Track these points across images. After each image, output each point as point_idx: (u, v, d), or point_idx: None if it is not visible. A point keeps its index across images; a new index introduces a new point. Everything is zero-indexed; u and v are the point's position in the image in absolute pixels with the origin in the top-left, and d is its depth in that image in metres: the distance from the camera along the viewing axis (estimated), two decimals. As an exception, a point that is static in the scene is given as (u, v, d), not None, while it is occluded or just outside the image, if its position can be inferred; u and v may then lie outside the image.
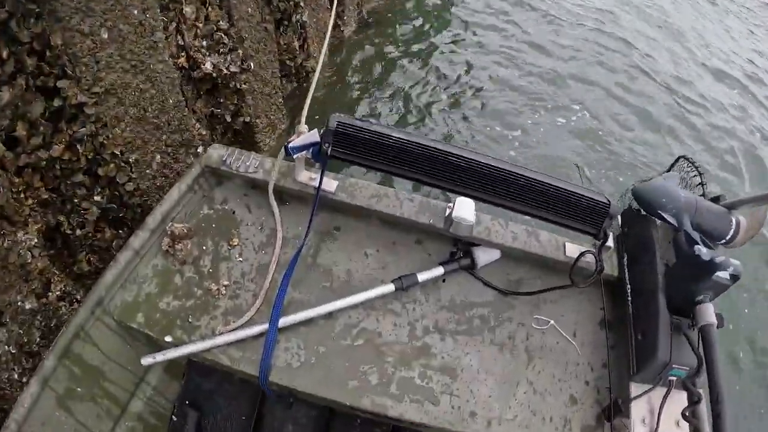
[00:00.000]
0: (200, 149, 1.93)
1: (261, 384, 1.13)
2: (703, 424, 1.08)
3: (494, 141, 3.10)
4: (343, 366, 1.16)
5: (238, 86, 2.08)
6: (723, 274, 1.05)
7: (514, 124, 3.24)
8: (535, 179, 1.17)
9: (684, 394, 1.17)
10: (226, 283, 1.22)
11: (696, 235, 1.13)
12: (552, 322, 1.30)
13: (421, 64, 3.53)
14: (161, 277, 1.24)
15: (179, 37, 1.75)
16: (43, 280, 1.47)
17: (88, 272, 1.62)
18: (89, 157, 1.44)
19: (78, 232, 1.55)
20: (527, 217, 1.24)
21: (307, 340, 1.17)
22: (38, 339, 1.45)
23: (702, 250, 1.08)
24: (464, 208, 1.23)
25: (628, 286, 1.27)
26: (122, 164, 1.55)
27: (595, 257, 1.22)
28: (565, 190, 1.19)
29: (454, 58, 3.67)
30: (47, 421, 1.14)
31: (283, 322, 1.16)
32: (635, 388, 1.17)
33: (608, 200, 1.22)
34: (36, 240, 1.39)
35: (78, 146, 1.39)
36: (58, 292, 1.54)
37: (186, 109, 1.83)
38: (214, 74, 1.91)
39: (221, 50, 1.96)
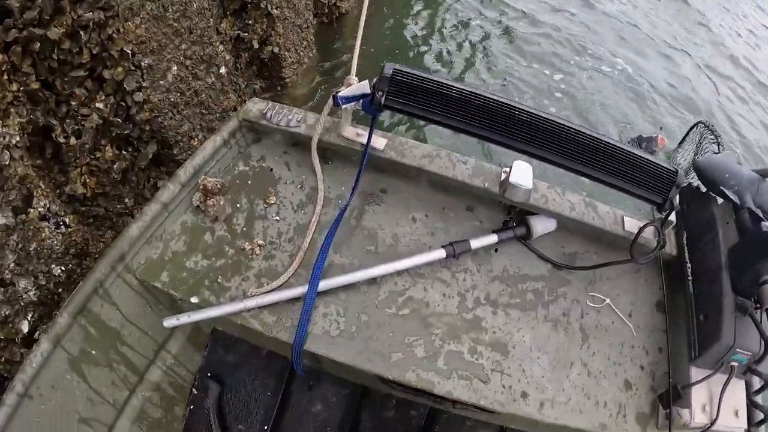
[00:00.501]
0: (222, 69, 1.74)
1: (295, 353, 1.02)
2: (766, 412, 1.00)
3: (537, 83, 3.08)
4: (387, 336, 1.05)
5: (270, 10, 1.84)
6: None
7: (557, 67, 3.27)
8: (601, 140, 1.07)
9: (742, 383, 1.10)
10: (260, 242, 1.12)
11: (760, 213, 1.05)
12: (608, 300, 1.21)
13: (463, 13, 3.45)
14: (190, 234, 1.14)
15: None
16: (22, 191, 1.21)
17: (84, 197, 1.40)
18: (94, 52, 1.23)
19: (73, 141, 1.29)
20: (584, 188, 1.15)
21: (348, 307, 1.07)
22: (12, 264, 1.21)
23: None
24: (522, 173, 1.13)
25: (688, 265, 1.17)
26: (132, 68, 1.33)
27: (658, 230, 1.14)
28: (632, 154, 1.09)
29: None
30: (57, 383, 1.04)
31: (322, 285, 1.05)
32: (695, 373, 1.08)
33: (675, 169, 1.12)
34: (18, 138, 1.15)
35: (82, 34, 1.18)
36: (41, 209, 1.27)
37: (211, 20, 1.62)
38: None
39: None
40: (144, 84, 1.39)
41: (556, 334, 1.14)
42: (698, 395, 1.07)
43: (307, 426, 1.36)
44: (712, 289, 1.08)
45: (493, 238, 1.15)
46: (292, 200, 1.17)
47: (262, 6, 1.84)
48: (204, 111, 1.80)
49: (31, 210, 1.24)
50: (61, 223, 1.32)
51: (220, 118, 1.88)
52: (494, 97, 1.03)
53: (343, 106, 1.07)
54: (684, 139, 2.63)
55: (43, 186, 1.28)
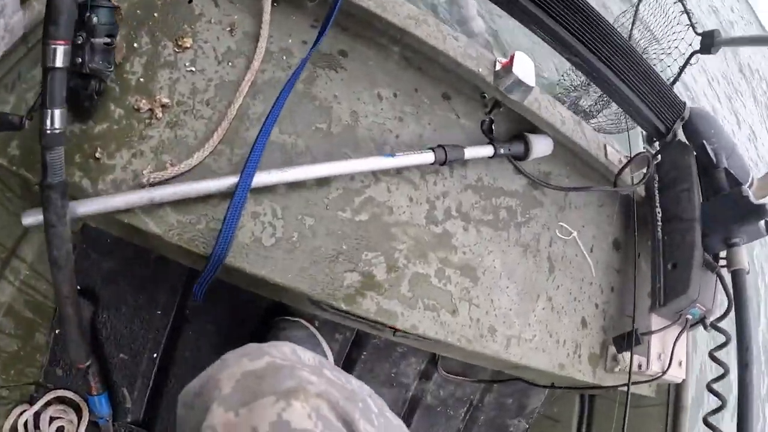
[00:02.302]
0: None
1: (208, 271, 0.71)
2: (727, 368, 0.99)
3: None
4: (339, 250, 0.78)
5: None
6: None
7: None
8: (629, 46, 0.92)
9: (685, 335, 1.09)
10: (165, 101, 0.75)
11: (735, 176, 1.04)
12: (575, 233, 1.08)
13: None
14: None
15: None
16: None
17: None
18: None
19: None
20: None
21: (288, 205, 0.77)
22: None
23: (749, 193, 0.98)
24: (525, 67, 0.89)
25: (658, 210, 1.10)
26: None
27: (648, 161, 1.07)
28: (654, 73, 0.96)
29: None
30: None
31: (258, 180, 0.73)
32: (656, 321, 1.04)
33: (683, 101, 1.05)
34: None
35: None
36: None
37: None
38: None
39: None
40: None
41: (525, 261, 0.98)
42: (654, 343, 1.04)
43: (207, 352, 1.07)
44: (686, 240, 1.03)
45: (488, 150, 0.91)
46: (216, 47, 0.80)
47: None
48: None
49: None
50: None
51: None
52: None
53: None
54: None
55: None
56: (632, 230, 1.12)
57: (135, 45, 0.77)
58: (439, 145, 0.83)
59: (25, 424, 1.02)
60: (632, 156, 1.07)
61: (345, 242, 0.79)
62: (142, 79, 0.76)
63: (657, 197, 1.11)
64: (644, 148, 1.13)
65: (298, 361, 0.57)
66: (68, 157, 0.69)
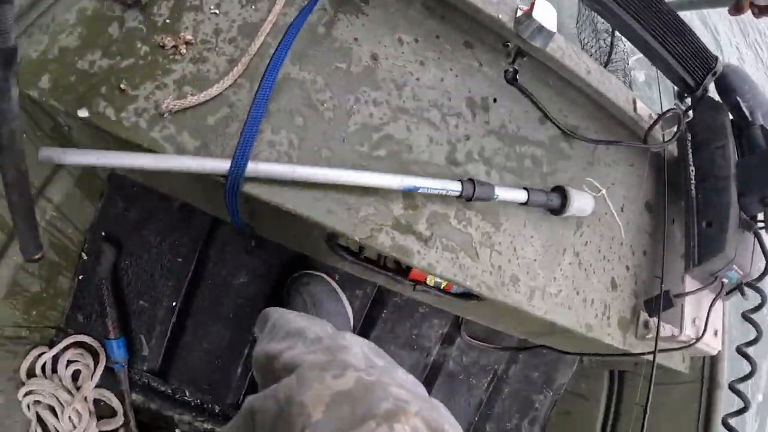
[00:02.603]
0: None
1: (229, 192, 0.72)
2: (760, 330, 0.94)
3: None
4: None
5: None
6: None
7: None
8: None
9: (720, 303, 1.04)
10: (189, 38, 0.77)
11: None
12: (603, 191, 1.04)
13: None
14: (88, 26, 0.75)
15: None
16: None
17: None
18: None
19: None
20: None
21: (306, 137, 0.77)
22: None
23: None
24: (546, 12, 0.87)
25: (692, 168, 1.05)
26: None
27: (679, 117, 1.01)
28: (685, 25, 0.93)
29: None
30: None
31: (273, 103, 0.75)
32: (689, 283, 0.98)
33: (716, 56, 1.00)
34: None
35: None
36: None
37: None
38: None
39: None
40: None
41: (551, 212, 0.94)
42: (689, 307, 0.98)
43: (227, 303, 1.08)
44: (721, 198, 0.97)
45: (522, 195, 0.86)
46: None
47: None
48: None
49: None
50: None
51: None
52: None
53: None
54: None
55: None
56: (664, 192, 1.08)
57: (162, -12, 0.80)
58: (469, 179, 0.80)
59: (43, 367, 1.05)
60: (663, 112, 1.02)
61: None
62: (168, 21, 0.78)
63: (690, 155, 1.06)
64: (675, 104, 1.08)
65: (383, 373, 0.53)
66: (94, 89, 0.72)
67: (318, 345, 0.59)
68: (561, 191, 0.91)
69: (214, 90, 0.74)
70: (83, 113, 0.71)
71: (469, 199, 0.80)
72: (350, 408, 0.44)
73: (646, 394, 0.88)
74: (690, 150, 1.07)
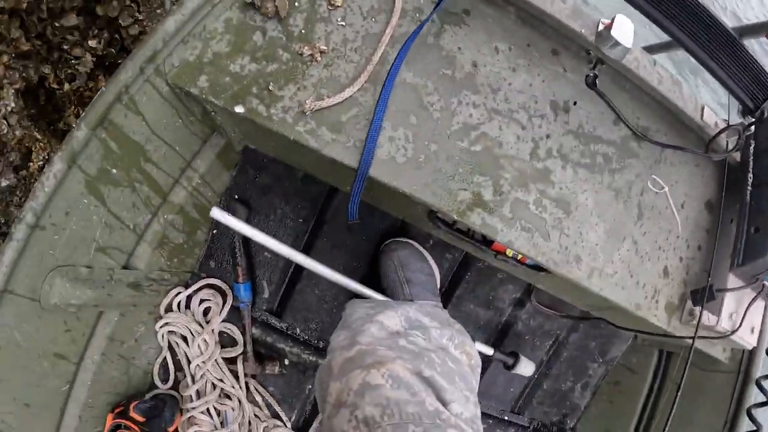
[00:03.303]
0: None
1: (358, 179, 0.92)
2: None
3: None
4: (456, 172, 0.96)
5: None
6: None
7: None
8: (719, 22, 0.99)
9: (762, 304, 1.14)
10: (323, 47, 0.96)
11: None
12: (666, 189, 1.15)
13: None
14: (235, 33, 0.96)
15: None
16: (22, 150, 1.20)
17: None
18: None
19: (66, 86, 1.23)
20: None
21: (418, 133, 0.96)
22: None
23: None
24: (624, 29, 0.99)
25: (751, 174, 1.13)
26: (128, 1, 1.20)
27: (739, 133, 1.11)
28: (743, 48, 1.02)
29: None
30: (72, 209, 0.91)
31: (392, 104, 0.93)
32: (731, 281, 1.10)
33: None
34: (13, 104, 1.12)
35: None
36: (40, 162, 1.26)
37: None
38: None
39: None
40: (140, 16, 1.25)
41: (616, 203, 1.09)
42: (728, 302, 1.09)
43: (337, 258, 1.31)
44: None
45: (489, 351, 1.33)
46: (361, 5, 0.99)
47: None
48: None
49: (31, 164, 1.27)
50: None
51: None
52: None
53: None
54: None
55: (39, 137, 1.26)
56: (728, 194, 1.17)
57: (296, 4, 0.98)
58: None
59: (179, 304, 1.32)
60: (724, 128, 1.10)
61: (461, 166, 0.96)
62: (303, 31, 0.97)
63: (751, 163, 1.13)
64: (739, 112, 1.16)
65: (383, 336, 0.89)
66: (247, 89, 0.93)
67: (348, 332, 0.93)
68: (515, 355, 1.34)
69: (345, 93, 0.93)
70: (239, 109, 0.93)
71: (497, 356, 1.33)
72: (350, 365, 0.78)
73: (687, 377, 1.03)
74: (752, 157, 1.13)
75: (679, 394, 1.03)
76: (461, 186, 0.96)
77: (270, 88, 0.94)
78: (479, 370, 1.00)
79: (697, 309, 1.12)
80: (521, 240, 0.98)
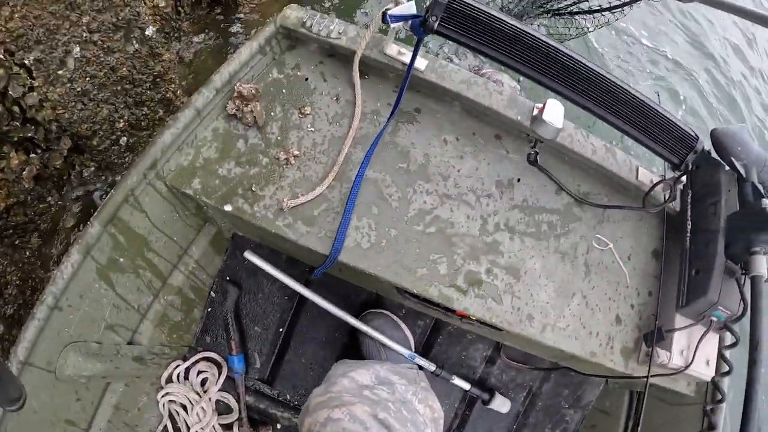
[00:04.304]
0: (149, 30, 1.43)
1: (327, 263, 1.08)
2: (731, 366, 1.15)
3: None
4: (414, 252, 1.13)
5: None
6: None
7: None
8: (634, 95, 1.14)
9: (716, 337, 1.24)
10: (296, 152, 1.15)
11: (762, 189, 1.15)
12: (611, 245, 1.30)
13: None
14: (222, 141, 1.15)
15: None
16: None
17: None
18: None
19: None
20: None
21: (380, 221, 1.13)
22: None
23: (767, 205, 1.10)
24: (554, 111, 1.17)
25: (689, 222, 1.27)
26: (15, 69, 1.12)
27: (670, 187, 1.26)
28: (659, 113, 1.17)
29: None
30: (85, 292, 1.09)
31: (357, 198, 1.11)
32: (679, 321, 1.21)
33: (696, 134, 1.22)
34: None
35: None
36: None
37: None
38: None
39: None
40: (35, 83, 1.20)
41: (563, 265, 1.24)
42: (679, 340, 1.20)
43: (319, 328, 1.46)
44: (708, 249, 1.17)
45: (465, 385, 1.46)
46: (327, 112, 1.19)
47: None
48: (128, 86, 1.59)
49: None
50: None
51: (152, 86, 1.66)
52: (544, 39, 1.05)
53: (392, 25, 1.06)
54: None
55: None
56: (669, 240, 1.31)
57: (272, 113, 1.19)
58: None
59: (178, 375, 1.46)
60: (655, 183, 1.25)
61: (418, 247, 1.13)
62: (279, 138, 1.16)
63: (689, 211, 1.26)
64: (668, 167, 1.29)
65: (353, 387, 1.06)
66: (233, 190, 1.11)
67: (325, 384, 1.09)
68: (492, 393, 1.48)
69: (317, 191, 1.11)
70: (228, 208, 1.10)
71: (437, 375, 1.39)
72: (320, 406, 0.95)
73: (645, 414, 1.14)
74: (689, 206, 1.26)
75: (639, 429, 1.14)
76: (419, 264, 1.12)
77: (253, 188, 1.12)
78: (441, 422, 1.14)
79: (657, 349, 1.21)
80: (476, 306, 1.13)
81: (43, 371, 1.04)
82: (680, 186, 1.32)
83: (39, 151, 1.27)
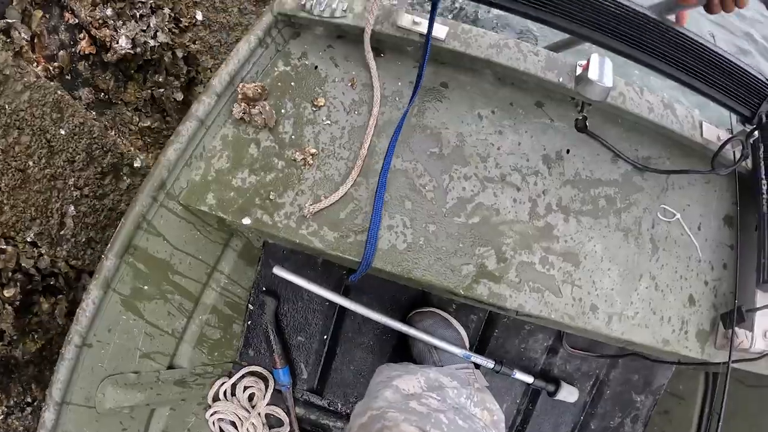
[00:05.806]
0: (137, 162, 1.45)
1: (360, 270, 1.00)
2: None
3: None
4: (456, 248, 1.03)
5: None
6: None
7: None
8: (690, 38, 0.99)
9: None
10: (313, 150, 1.06)
11: None
12: (678, 216, 1.16)
13: None
14: (233, 148, 1.08)
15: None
16: None
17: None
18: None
19: None
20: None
21: (415, 217, 1.03)
22: None
23: None
24: (601, 68, 1.03)
25: (764, 182, 1.11)
26: (21, 246, 1.16)
27: (741, 143, 1.09)
28: (724, 57, 1.01)
29: None
30: (114, 326, 1.05)
31: (386, 194, 1.02)
32: (761, 298, 1.07)
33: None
34: None
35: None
36: None
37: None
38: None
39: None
40: (42, 251, 1.23)
41: (626, 244, 1.11)
42: (761, 320, 1.07)
43: (366, 332, 1.40)
44: None
45: (528, 378, 1.32)
46: (343, 101, 1.09)
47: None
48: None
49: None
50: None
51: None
52: None
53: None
54: None
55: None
56: (743, 205, 1.16)
57: (282, 111, 1.10)
58: (500, 361, 1.28)
59: (225, 392, 1.43)
60: (725, 141, 1.09)
61: (461, 241, 1.03)
62: (293, 136, 1.07)
63: (763, 169, 1.10)
64: (738, 122, 1.14)
65: (397, 399, 1.00)
66: (250, 201, 1.04)
67: (366, 398, 1.06)
68: (557, 382, 1.37)
69: (341, 191, 1.03)
70: (246, 221, 1.03)
71: (498, 371, 1.27)
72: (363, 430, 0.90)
73: (737, 399, 1.01)
74: (762, 163, 1.11)
75: (721, 419, 1.02)
76: (464, 261, 1.02)
77: (271, 197, 1.04)
78: (502, 425, 1.06)
79: (729, 331, 1.09)
80: (532, 302, 1.03)
81: (82, 408, 1.02)
82: (751, 141, 1.15)
83: (64, 293, 1.32)
